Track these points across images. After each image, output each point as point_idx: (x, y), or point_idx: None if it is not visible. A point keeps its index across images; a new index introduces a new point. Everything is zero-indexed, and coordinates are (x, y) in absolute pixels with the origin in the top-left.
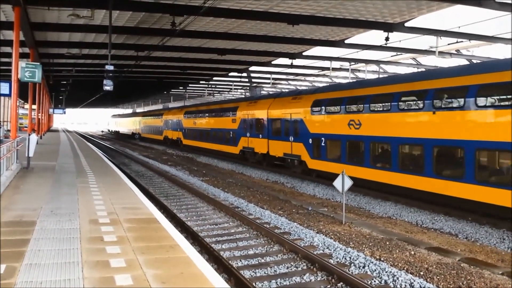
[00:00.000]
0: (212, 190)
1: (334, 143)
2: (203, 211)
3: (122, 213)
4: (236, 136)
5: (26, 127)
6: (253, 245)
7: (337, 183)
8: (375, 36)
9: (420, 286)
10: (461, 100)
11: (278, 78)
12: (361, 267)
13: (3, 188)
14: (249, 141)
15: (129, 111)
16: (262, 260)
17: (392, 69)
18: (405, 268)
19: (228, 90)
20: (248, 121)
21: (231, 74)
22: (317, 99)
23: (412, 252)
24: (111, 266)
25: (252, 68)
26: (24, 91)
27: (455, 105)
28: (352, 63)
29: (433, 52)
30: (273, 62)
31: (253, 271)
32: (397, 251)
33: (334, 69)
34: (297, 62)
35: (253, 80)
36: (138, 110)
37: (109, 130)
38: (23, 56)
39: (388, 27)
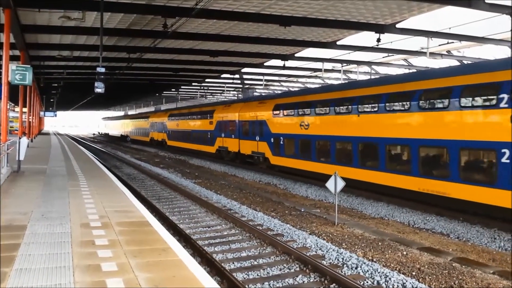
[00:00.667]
0: (205, 193)
1: (290, 141)
2: (196, 214)
3: (114, 217)
4: (213, 136)
5: (16, 130)
6: (246, 247)
7: (330, 184)
8: (367, 38)
9: (412, 286)
10: (375, 106)
11: (271, 80)
12: (353, 268)
13: None
14: (223, 141)
15: (121, 113)
16: (255, 262)
17: (384, 70)
18: (397, 269)
19: (221, 92)
20: (223, 123)
21: (223, 75)
22: (277, 104)
23: (404, 253)
24: (102, 270)
25: (245, 69)
26: (15, 94)
27: (367, 110)
28: (344, 65)
29: (424, 53)
30: (265, 64)
31: (246, 273)
32: (390, 251)
33: (326, 71)
34: (289, 63)
35: (246, 81)
36: (130, 112)
37: (99, 133)
38: (13, 58)
39: (379, 29)
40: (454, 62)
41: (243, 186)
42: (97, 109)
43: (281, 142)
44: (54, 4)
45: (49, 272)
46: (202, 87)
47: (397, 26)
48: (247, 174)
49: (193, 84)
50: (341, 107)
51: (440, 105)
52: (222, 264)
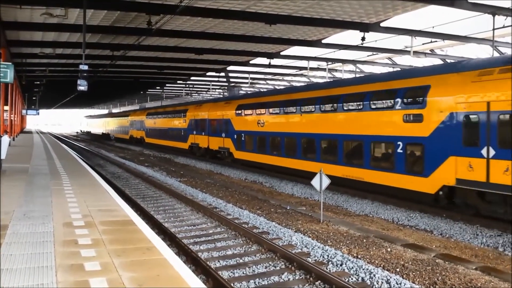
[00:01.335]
0: (190, 191)
1: (250, 137)
2: (181, 212)
3: (97, 216)
4: (186, 134)
5: None
6: (231, 245)
7: (315, 182)
8: (352, 36)
9: (397, 282)
10: (313, 107)
11: (256, 78)
12: (338, 265)
13: None
14: (195, 138)
15: (105, 112)
16: (241, 260)
17: (368, 69)
18: (381, 265)
19: (206, 90)
20: (194, 121)
21: (209, 73)
22: (240, 104)
23: (389, 249)
24: (85, 269)
25: (230, 67)
26: None
27: (307, 110)
28: (329, 63)
29: (408, 52)
30: (251, 62)
31: (231, 272)
32: (374, 248)
33: (312, 69)
34: (275, 61)
35: (231, 80)
36: (114, 110)
37: (81, 131)
38: None
39: (364, 27)
40: (438, 61)
41: (228, 184)
42: (81, 108)
43: (243, 138)
44: (36, 1)
45: (31, 272)
46: (187, 85)
47: (382, 25)
48: (233, 172)
49: (178, 82)
50: (289, 108)
51: (358, 107)
52: (208, 263)
